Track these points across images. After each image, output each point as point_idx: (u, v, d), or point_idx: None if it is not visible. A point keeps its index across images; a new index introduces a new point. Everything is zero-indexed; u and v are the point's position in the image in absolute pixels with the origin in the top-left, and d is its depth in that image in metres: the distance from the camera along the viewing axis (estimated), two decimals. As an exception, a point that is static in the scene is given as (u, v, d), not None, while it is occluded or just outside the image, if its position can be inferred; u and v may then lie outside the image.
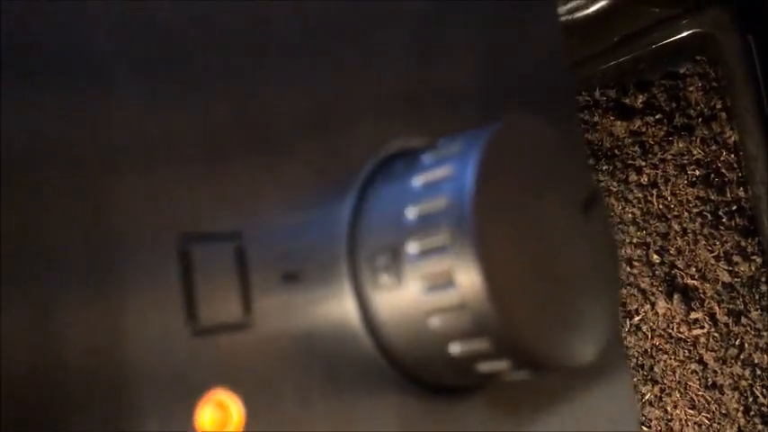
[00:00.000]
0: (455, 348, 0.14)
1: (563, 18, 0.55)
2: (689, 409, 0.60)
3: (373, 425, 0.15)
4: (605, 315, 0.16)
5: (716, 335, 0.59)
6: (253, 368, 0.13)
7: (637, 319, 0.63)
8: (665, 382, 0.61)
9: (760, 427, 0.58)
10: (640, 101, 0.64)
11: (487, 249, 0.13)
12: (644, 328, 0.62)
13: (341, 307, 0.15)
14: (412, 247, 0.14)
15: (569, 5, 0.55)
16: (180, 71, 0.14)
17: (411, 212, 0.14)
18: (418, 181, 0.14)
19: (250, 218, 0.14)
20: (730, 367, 0.59)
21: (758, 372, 0.58)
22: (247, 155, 0.14)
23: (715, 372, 0.59)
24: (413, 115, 0.17)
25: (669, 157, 0.61)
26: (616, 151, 0.64)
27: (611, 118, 0.65)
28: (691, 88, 0.61)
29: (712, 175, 0.60)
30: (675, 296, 0.61)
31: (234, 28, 0.15)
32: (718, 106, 0.59)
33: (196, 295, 0.12)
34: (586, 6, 0.55)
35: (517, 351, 0.14)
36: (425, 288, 0.14)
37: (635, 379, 0.62)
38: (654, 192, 0.62)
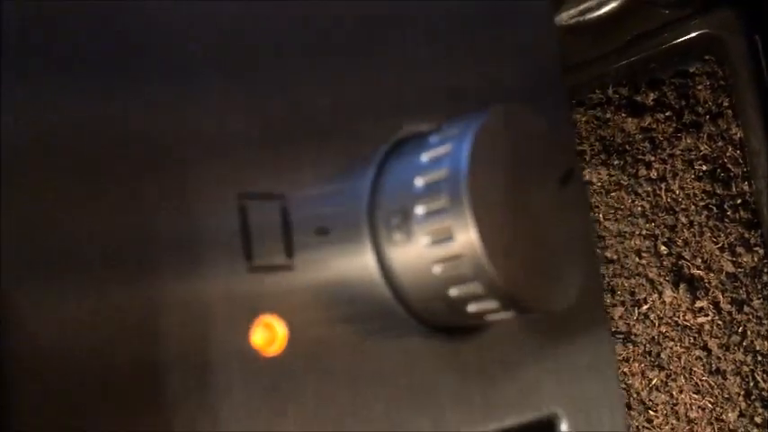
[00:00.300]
0: (454, 291, 0.18)
1: (574, 19, 0.59)
2: (693, 393, 0.63)
3: (385, 356, 0.18)
4: (578, 269, 0.19)
5: (720, 323, 0.62)
6: (293, 301, 0.17)
7: (645, 307, 0.65)
8: (671, 367, 0.64)
9: (760, 410, 0.60)
10: (651, 98, 0.66)
11: (479, 210, 0.17)
12: (651, 316, 0.65)
13: (362, 258, 0.18)
14: (419, 210, 0.18)
15: (580, 7, 0.58)
16: (244, 68, 0.17)
17: (419, 182, 0.18)
18: (425, 157, 0.18)
19: (291, 184, 0.17)
20: (733, 354, 0.61)
21: (759, 358, 0.60)
22: (291, 136, 0.18)
23: (718, 358, 0.62)
24: (423, 109, 0.21)
25: (677, 152, 0.64)
26: (627, 146, 0.67)
27: (623, 115, 0.68)
28: (699, 87, 0.64)
29: (718, 170, 0.62)
30: (682, 285, 0.63)
31: (283, 36, 0.18)
32: (725, 104, 0.62)
33: (252, 241, 0.16)
34: (597, 8, 0.58)
35: (503, 293, 0.17)
36: (430, 242, 0.17)
37: (642, 365, 0.65)
38: (662, 185, 0.65)
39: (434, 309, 0.19)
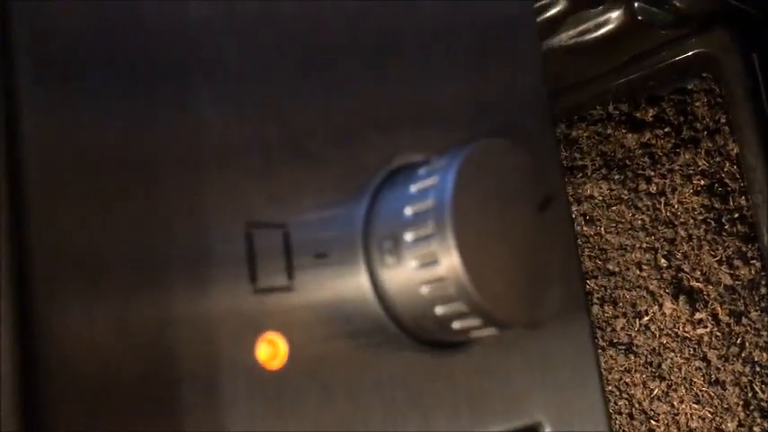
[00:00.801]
0: (440, 310, 0.19)
1: (573, 40, 0.60)
2: (693, 403, 0.64)
3: (380, 369, 0.20)
4: (557, 289, 0.21)
5: (718, 334, 0.63)
6: (294, 319, 0.19)
7: (646, 319, 0.67)
8: (672, 378, 0.65)
9: (759, 420, 0.61)
10: (651, 115, 0.68)
11: (462, 236, 0.19)
12: (652, 327, 0.66)
13: (357, 280, 0.20)
14: (408, 236, 0.19)
15: (579, 29, 0.60)
16: (246, 96, 0.19)
17: (408, 211, 0.20)
18: (414, 188, 0.20)
19: (293, 212, 0.19)
20: (732, 365, 0.62)
21: (757, 369, 0.62)
22: (292, 167, 0.19)
23: (718, 369, 0.63)
24: (415, 135, 0.23)
25: (676, 167, 0.66)
26: (627, 162, 0.69)
27: (623, 130, 0.69)
28: (697, 103, 0.65)
29: (716, 185, 0.64)
30: (681, 297, 0.65)
31: (284, 63, 0.20)
32: (722, 120, 0.63)
33: (256, 265, 0.18)
34: (595, 29, 0.60)
35: (484, 312, 0.19)
36: (418, 266, 0.19)
37: (644, 375, 0.67)
38: (662, 200, 0.66)
39: (424, 326, 0.20)
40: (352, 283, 0.20)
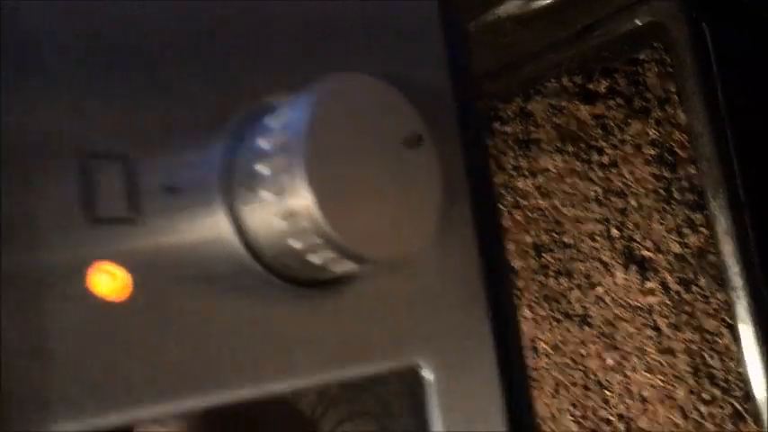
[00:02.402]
0: (296, 243, 0.19)
1: (521, 9, 0.60)
2: (645, 372, 0.64)
3: (235, 309, 0.20)
4: (423, 225, 0.20)
5: (668, 302, 0.63)
6: (141, 254, 0.18)
7: (600, 290, 0.67)
8: (625, 348, 0.65)
9: (708, 387, 0.62)
10: (603, 86, 0.68)
11: (315, 167, 0.18)
12: (606, 298, 0.66)
13: (214, 216, 0.20)
14: (264, 170, 0.19)
15: (524, -4, 0.59)
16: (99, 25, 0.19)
17: (264, 144, 0.19)
18: (270, 121, 0.19)
19: (139, 143, 0.19)
20: (682, 333, 0.62)
21: (707, 336, 0.62)
22: (141, 97, 0.19)
23: (668, 337, 0.63)
24: (285, 76, 0.22)
25: (627, 137, 0.66)
26: (581, 134, 0.69)
27: (577, 102, 0.69)
28: (649, 73, 0.65)
29: (666, 154, 0.64)
30: (632, 267, 0.65)
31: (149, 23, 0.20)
32: (672, 90, 0.63)
33: (94, 193, 0.18)
34: (542, -3, 0.59)
35: (337, 244, 0.19)
36: (273, 199, 0.19)
37: (597, 347, 0.67)
38: (614, 171, 0.66)
39: (286, 263, 0.20)
40: (209, 222, 0.20)
